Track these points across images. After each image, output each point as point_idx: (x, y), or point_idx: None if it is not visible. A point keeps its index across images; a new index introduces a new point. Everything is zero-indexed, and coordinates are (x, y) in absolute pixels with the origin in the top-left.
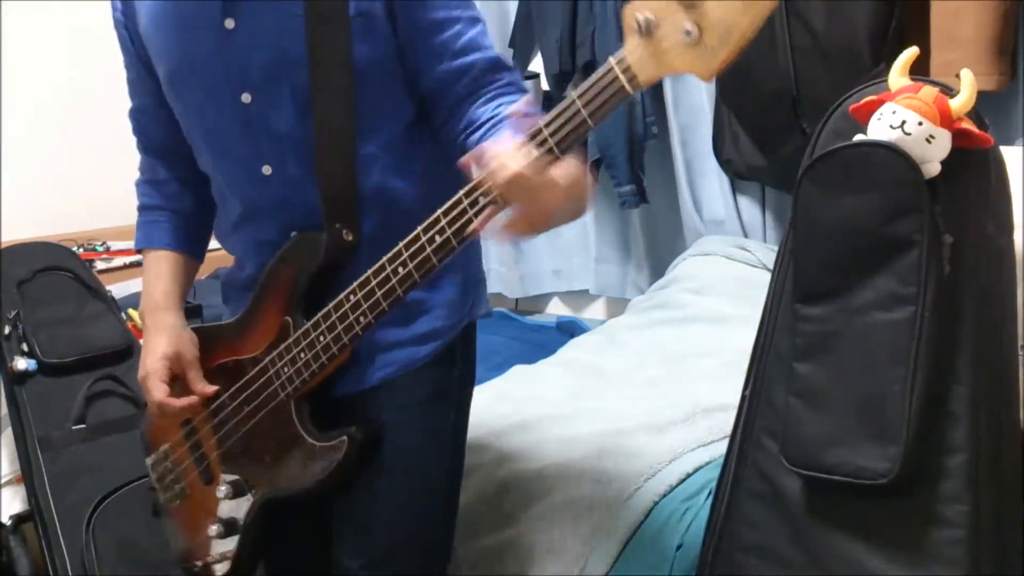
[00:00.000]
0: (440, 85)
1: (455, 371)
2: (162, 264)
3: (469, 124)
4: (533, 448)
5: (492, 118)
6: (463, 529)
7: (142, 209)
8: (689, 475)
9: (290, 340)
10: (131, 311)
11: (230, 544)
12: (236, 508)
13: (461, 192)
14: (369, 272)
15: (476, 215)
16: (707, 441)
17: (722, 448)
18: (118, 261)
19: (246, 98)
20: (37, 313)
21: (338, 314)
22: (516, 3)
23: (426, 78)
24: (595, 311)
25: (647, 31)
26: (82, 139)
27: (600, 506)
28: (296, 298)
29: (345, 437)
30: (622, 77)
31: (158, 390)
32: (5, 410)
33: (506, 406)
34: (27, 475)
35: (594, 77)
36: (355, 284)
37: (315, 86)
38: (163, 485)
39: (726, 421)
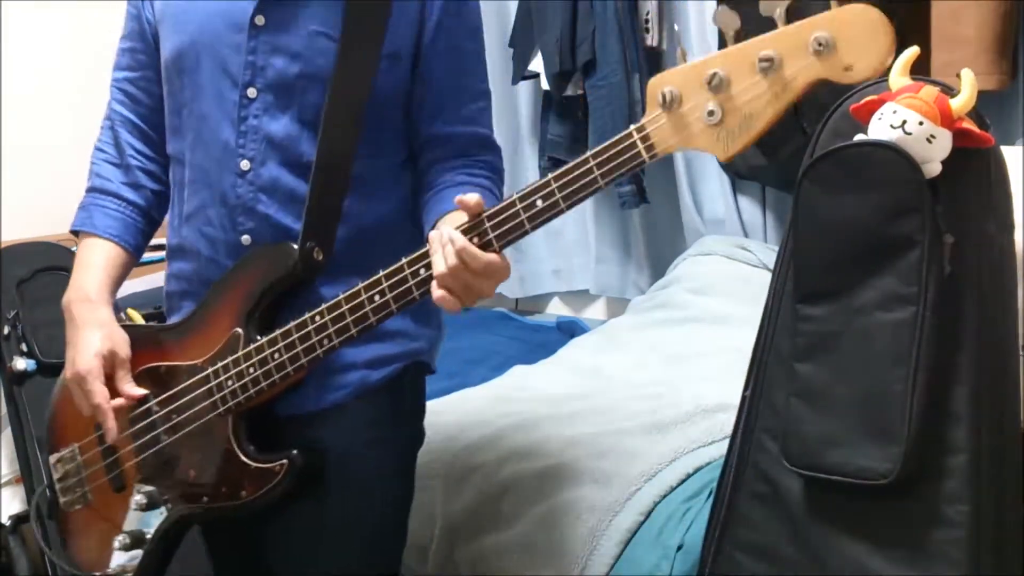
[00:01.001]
0: (428, 141)
1: (406, 402)
2: (100, 254)
3: (431, 182)
4: (533, 448)
5: (454, 182)
6: (463, 529)
7: (92, 191)
8: (689, 475)
9: (239, 353)
10: (130, 311)
11: (132, 557)
12: (146, 521)
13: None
14: (341, 296)
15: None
16: (707, 441)
17: (722, 448)
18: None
19: (252, 93)
20: (36, 313)
21: (300, 334)
22: (516, 3)
23: (420, 129)
24: (595, 311)
25: (670, 105)
26: (82, 139)
27: (600, 506)
28: (249, 310)
29: (285, 461)
30: (640, 146)
31: (99, 393)
32: (4, 410)
33: (506, 406)
34: (26, 475)
35: (612, 141)
36: (324, 306)
37: (329, 106)
38: (64, 487)
39: (726, 421)
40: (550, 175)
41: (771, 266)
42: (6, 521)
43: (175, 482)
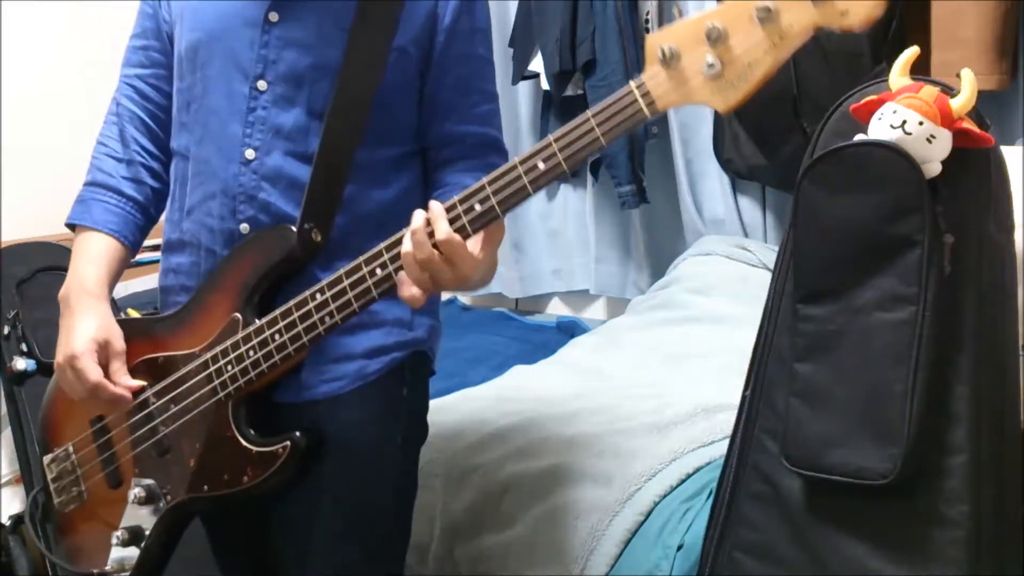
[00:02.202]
0: (438, 140)
1: (404, 390)
2: (100, 249)
3: (437, 182)
4: (533, 448)
5: (457, 183)
6: (463, 529)
7: (93, 184)
8: (689, 475)
9: (238, 337)
10: (131, 311)
11: (131, 553)
12: (144, 515)
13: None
14: (341, 271)
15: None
16: (707, 441)
17: (722, 448)
18: None
19: (262, 85)
20: (36, 313)
21: (300, 312)
22: (516, 3)
23: (431, 128)
24: (595, 311)
25: (669, 60)
26: (82, 139)
27: (600, 506)
28: (248, 295)
29: (288, 442)
30: (641, 101)
31: (93, 371)
32: (4, 410)
33: (506, 406)
34: (26, 475)
35: (612, 98)
36: (323, 283)
37: (337, 95)
38: (59, 487)
39: (727, 421)
40: (550, 136)
41: (771, 266)
42: (6, 521)
43: (175, 472)
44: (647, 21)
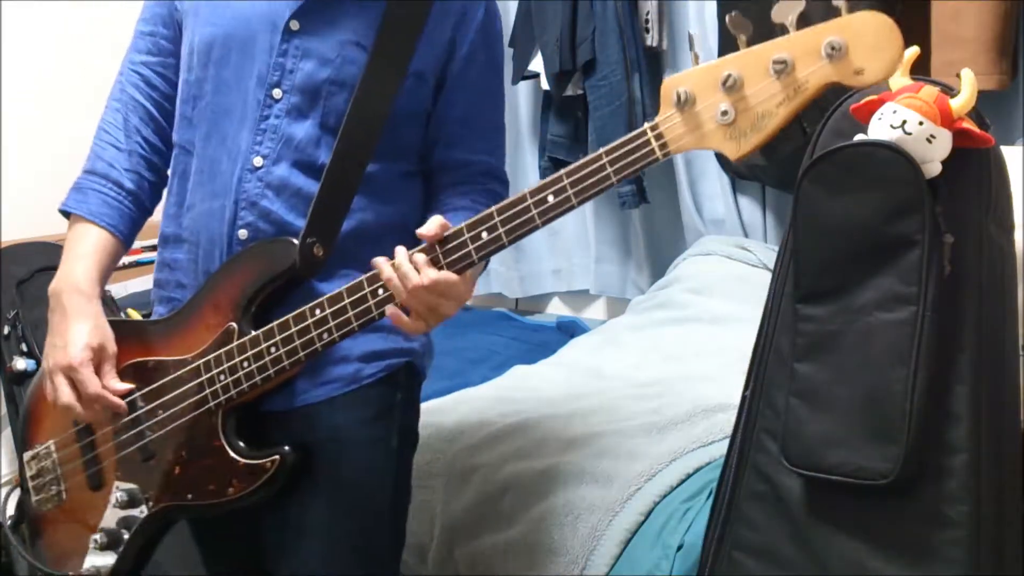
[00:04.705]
0: (442, 164)
1: (398, 395)
2: (94, 243)
3: (434, 206)
4: (533, 448)
5: (453, 206)
6: (463, 529)
7: (91, 173)
8: (689, 475)
9: (232, 346)
10: (130, 311)
11: (108, 559)
12: (124, 520)
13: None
14: (343, 288)
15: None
16: (707, 441)
17: (722, 448)
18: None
19: (277, 94)
20: (36, 313)
21: (298, 327)
22: (516, 3)
23: (436, 152)
24: (595, 311)
25: (684, 105)
26: (82, 139)
27: (600, 506)
28: (246, 304)
29: (277, 457)
30: (654, 143)
31: (92, 382)
32: (4, 410)
33: (506, 406)
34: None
35: (625, 139)
36: (324, 298)
37: (352, 112)
38: (38, 485)
39: (726, 421)
40: (562, 171)
41: (771, 266)
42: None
43: (158, 479)
44: (647, 21)
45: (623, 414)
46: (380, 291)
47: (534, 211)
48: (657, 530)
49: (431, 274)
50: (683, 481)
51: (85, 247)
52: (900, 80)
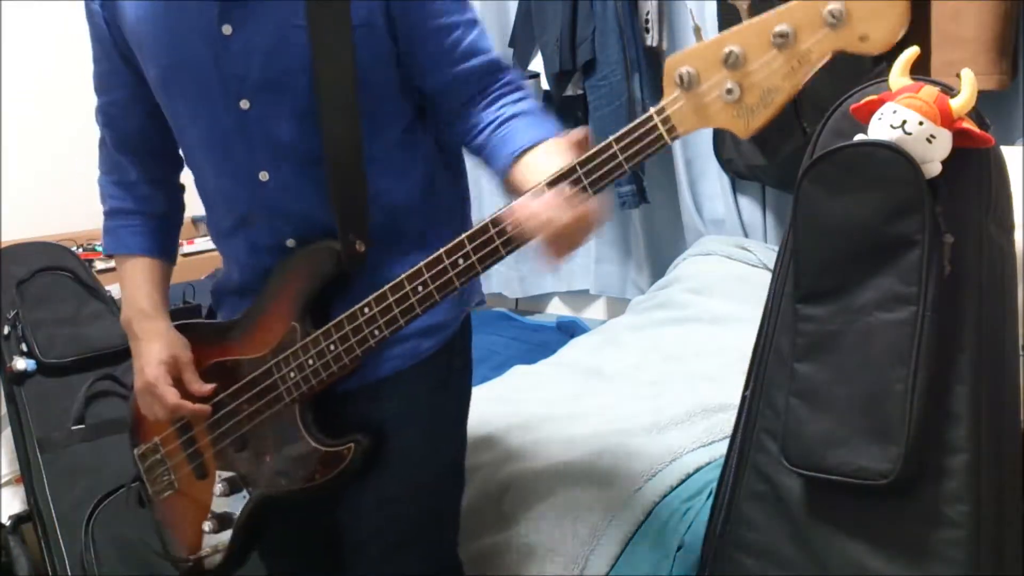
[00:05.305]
0: (443, 89)
1: (455, 361)
2: (142, 271)
3: (474, 127)
4: (533, 448)
5: (496, 119)
6: (463, 529)
7: (112, 213)
8: (689, 475)
9: (297, 346)
10: None
11: (223, 538)
12: (231, 504)
13: (488, 219)
14: (387, 288)
15: (504, 244)
16: (707, 441)
17: (722, 448)
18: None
19: (244, 104)
20: (36, 313)
21: (351, 326)
22: (516, 3)
23: (428, 83)
24: (595, 311)
25: (688, 85)
26: (82, 139)
27: (600, 506)
28: (304, 305)
29: (352, 444)
30: (661, 128)
31: (170, 395)
32: (4, 410)
33: (506, 406)
34: (26, 475)
35: (633, 124)
36: (371, 298)
37: (320, 97)
38: (151, 477)
39: (727, 421)
40: (575, 161)
41: (771, 266)
42: (6, 521)
43: (252, 467)
44: (647, 21)
45: (623, 414)
46: (420, 288)
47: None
48: (657, 530)
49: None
50: (683, 481)
51: (136, 278)
52: (900, 80)
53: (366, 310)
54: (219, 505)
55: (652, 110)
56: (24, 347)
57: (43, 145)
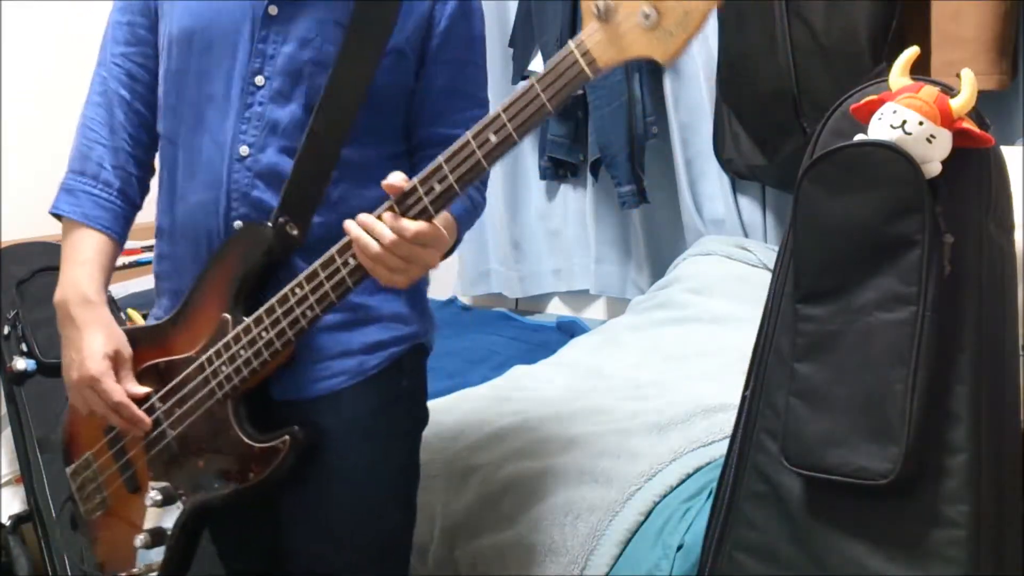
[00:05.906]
0: (425, 141)
1: (403, 381)
2: (92, 247)
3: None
4: (533, 448)
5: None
6: (463, 529)
7: (82, 174)
8: (689, 475)
9: (228, 337)
10: (130, 311)
11: (156, 555)
12: (164, 517)
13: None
14: (316, 264)
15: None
16: (707, 441)
17: (722, 448)
18: (117, 261)
19: (260, 80)
20: (36, 313)
21: (283, 309)
22: (516, 3)
23: (419, 129)
24: (595, 311)
25: (605, 16)
26: None
27: (600, 506)
28: (234, 294)
29: (287, 437)
30: (581, 61)
31: (115, 391)
32: (4, 410)
33: (506, 406)
34: (26, 475)
35: (553, 62)
36: (302, 277)
37: (328, 90)
38: (83, 495)
39: (726, 421)
40: (499, 108)
41: (771, 266)
42: (6, 521)
43: (186, 474)
44: None
45: (623, 414)
46: (351, 260)
47: (479, 153)
48: (657, 530)
49: (409, 226)
50: (683, 481)
51: (84, 253)
52: (900, 80)
53: (297, 290)
54: (152, 519)
55: (571, 43)
56: (24, 347)
57: (43, 145)
